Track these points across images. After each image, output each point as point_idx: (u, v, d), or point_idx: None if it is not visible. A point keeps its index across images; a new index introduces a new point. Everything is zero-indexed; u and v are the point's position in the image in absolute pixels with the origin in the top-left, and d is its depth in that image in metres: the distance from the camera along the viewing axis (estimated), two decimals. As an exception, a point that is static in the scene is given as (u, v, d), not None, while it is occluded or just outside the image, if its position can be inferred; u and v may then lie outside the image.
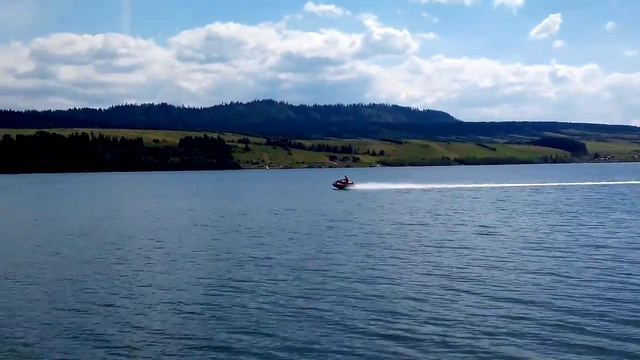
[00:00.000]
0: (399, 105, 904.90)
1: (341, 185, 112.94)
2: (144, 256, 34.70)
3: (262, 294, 24.74)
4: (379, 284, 26.22)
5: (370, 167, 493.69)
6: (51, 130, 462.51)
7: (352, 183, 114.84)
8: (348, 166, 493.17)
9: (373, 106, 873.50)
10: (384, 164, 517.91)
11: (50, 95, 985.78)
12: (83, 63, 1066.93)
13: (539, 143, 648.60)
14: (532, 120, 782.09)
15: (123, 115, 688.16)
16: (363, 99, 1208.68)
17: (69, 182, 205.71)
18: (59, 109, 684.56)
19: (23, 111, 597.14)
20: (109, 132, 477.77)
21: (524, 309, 21.20)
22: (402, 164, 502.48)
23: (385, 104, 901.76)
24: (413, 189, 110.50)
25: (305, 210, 67.84)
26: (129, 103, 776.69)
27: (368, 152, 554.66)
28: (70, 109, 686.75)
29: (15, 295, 24.89)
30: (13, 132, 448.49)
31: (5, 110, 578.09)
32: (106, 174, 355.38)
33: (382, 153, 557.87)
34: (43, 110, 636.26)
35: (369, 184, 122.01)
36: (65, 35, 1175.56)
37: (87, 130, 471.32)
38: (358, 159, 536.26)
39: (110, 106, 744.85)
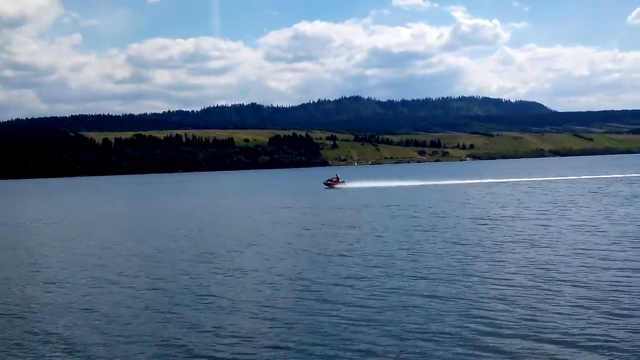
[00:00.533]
0: (489, 97, 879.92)
1: (331, 184, 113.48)
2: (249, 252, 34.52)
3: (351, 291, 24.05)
4: (472, 283, 24.73)
5: (460, 160, 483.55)
6: (147, 133, 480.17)
7: (343, 182, 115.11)
8: (437, 160, 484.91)
9: (462, 99, 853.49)
10: (474, 157, 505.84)
11: (145, 99, 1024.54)
12: (176, 67, 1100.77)
13: (639, 132, 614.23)
14: (631, 109, 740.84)
15: (214, 116, 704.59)
16: (452, 92, 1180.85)
17: (171, 182, 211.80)
18: (154, 112, 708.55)
19: (121, 115, 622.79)
20: (201, 133, 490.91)
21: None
22: (493, 158, 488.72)
23: (475, 96, 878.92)
24: (414, 186, 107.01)
25: (385, 205, 66.73)
26: (220, 104, 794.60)
27: (458, 146, 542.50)
28: (164, 112, 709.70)
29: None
30: (111, 135, 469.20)
31: (104, 115, 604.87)
32: (200, 173, 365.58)
33: (472, 146, 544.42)
34: (139, 113, 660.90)
35: (362, 182, 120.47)
36: (159, 41, 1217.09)
37: (181, 132, 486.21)
38: (447, 152, 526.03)
39: (202, 108, 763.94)
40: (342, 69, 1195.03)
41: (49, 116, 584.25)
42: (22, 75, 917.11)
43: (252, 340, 18.36)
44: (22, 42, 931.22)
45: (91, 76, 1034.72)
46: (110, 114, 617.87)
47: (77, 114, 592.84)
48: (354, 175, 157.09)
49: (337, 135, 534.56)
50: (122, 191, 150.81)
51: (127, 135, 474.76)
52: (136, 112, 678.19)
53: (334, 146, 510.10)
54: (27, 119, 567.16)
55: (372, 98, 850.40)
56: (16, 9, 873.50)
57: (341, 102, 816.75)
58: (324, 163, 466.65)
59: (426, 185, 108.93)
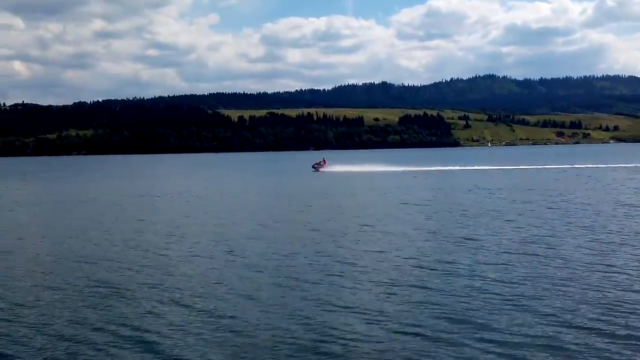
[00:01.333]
0: (637, 76, 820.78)
1: (317, 167, 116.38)
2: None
3: (470, 277, 23.19)
4: (607, 273, 22.37)
5: (603, 143, 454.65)
6: (280, 111, 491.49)
7: (326, 165, 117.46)
8: (577, 142, 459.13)
9: (606, 78, 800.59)
10: (619, 139, 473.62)
11: (278, 78, 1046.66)
12: (308, 46, 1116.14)
13: None
14: None
15: (345, 94, 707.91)
16: (595, 71, 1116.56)
17: (303, 158, 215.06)
18: (287, 90, 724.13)
19: (255, 93, 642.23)
20: (331, 112, 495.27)
21: None
22: (639, 141, 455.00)
23: (620, 75, 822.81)
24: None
25: (512, 188, 63.34)
26: (350, 83, 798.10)
27: (600, 128, 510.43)
28: (297, 90, 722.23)
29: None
30: (246, 114, 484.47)
31: (239, 93, 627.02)
32: (329, 152, 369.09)
33: (616, 128, 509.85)
34: (272, 92, 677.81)
35: (346, 167, 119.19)
36: (292, 20, 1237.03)
37: (312, 110, 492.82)
38: (589, 134, 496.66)
39: (333, 86, 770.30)
40: (476, 46, 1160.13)
41: (188, 94, 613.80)
42: (164, 55, 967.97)
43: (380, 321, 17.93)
44: (164, 22, 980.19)
45: (227, 55, 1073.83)
46: (245, 92, 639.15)
47: (215, 92, 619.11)
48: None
49: (470, 115, 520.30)
50: (259, 167, 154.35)
51: (261, 113, 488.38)
52: (269, 91, 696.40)
53: (466, 126, 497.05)
54: (168, 96, 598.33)
55: (508, 76, 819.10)
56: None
57: (474, 81, 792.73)
58: (455, 143, 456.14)
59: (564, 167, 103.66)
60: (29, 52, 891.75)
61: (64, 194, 75.19)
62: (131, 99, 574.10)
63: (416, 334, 16.97)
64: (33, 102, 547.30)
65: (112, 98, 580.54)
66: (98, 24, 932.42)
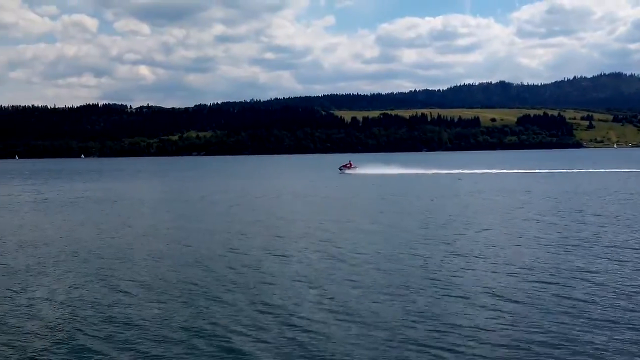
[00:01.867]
0: None
1: (343, 169, 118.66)
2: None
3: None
4: None
5: None
6: (393, 112, 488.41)
7: (355, 167, 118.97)
8: None
9: None
10: None
11: (393, 79, 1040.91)
12: (423, 45, 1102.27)
13: None
14: None
15: (461, 95, 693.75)
16: None
17: (417, 160, 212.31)
18: (401, 91, 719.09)
19: (368, 94, 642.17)
20: (446, 112, 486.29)
21: None
22: None
23: None
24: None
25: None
26: (466, 83, 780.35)
27: None
28: (411, 91, 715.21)
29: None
30: (359, 115, 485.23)
31: (353, 94, 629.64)
32: (443, 153, 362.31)
33: None
34: (386, 92, 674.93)
35: (373, 169, 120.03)
36: (408, 20, 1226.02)
37: (426, 111, 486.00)
38: None
39: (448, 86, 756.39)
40: (601, 43, 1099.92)
41: (303, 96, 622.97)
42: (280, 57, 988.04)
43: (482, 336, 16.24)
44: (281, 25, 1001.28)
45: (342, 57, 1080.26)
46: (358, 93, 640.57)
47: (329, 94, 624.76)
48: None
49: (594, 115, 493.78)
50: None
51: (374, 114, 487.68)
52: (383, 92, 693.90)
53: (590, 127, 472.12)
54: (284, 98, 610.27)
55: (636, 74, 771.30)
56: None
57: (599, 79, 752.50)
58: (577, 145, 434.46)
59: None
60: (154, 57, 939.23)
61: (192, 191, 77.40)
62: (248, 101, 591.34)
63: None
64: (157, 105, 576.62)
65: (231, 100, 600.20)
66: (218, 29, 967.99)
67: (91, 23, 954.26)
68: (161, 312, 19.38)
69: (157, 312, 19.30)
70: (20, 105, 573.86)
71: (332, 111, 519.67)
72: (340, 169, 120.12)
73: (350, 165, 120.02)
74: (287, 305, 19.70)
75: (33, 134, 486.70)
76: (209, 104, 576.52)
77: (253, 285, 22.80)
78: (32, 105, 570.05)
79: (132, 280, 23.90)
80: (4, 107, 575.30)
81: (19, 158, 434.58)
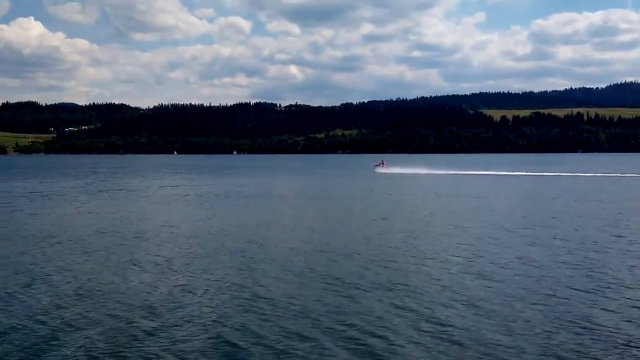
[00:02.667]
0: None
1: (377, 167, 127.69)
2: None
3: None
4: None
5: None
6: (546, 111, 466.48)
7: (385, 166, 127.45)
8: None
9: None
10: None
11: (546, 76, 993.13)
12: (580, 42, 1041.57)
13: None
14: None
15: (621, 93, 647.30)
16: None
17: (571, 162, 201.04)
18: (555, 89, 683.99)
19: (520, 92, 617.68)
20: (605, 112, 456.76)
21: None
22: None
23: None
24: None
25: None
26: (628, 81, 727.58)
27: None
28: (566, 89, 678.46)
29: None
30: (509, 114, 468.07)
31: (503, 92, 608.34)
32: (600, 155, 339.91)
33: None
34: (539, 91, 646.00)
35: (404, 169, 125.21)
36: (565, 15, 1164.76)
37: (583, 110, 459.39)
38: None
39: (608, 84, 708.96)
40: None
41: (450, 94, 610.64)
42: (428, 55, 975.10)
43: None
44: (430, 23, 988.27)
45: (492, 54, 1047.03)
46: (509, 92, 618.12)
47: (477, 92, 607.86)
48: None
49: None
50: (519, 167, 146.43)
51: (525, 113, 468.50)
52: (536, 90, 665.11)
53: None
54: (430, 96, 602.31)
55: None
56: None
57: None
58: None
59: None
60: (304, 56, 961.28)
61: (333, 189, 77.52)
62: (394, 99, 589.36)
63: None
64: (305, 104, 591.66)
65: (377, 99, 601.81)
66: (367, 28, 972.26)
67: (245, 25, 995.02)
68: (297, 307, 18.91)
69: (293, 307, 18.84)
70: (178, 104, 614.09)
71: (480, 110, 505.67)
72: (375, 166, 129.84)
73: (383, 164, 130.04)
74: (440, 312, 17.98)
75: (189, 131, 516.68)
76: (355, 103, 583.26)
77: (390, 284, 21.68)
78: (189, 104, 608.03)
79: (271, 275, 23.37)
80: (164, 105, 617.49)
81: (177, 154, 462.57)
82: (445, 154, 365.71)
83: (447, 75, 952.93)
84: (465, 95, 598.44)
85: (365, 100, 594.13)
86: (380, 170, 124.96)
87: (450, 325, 17.06)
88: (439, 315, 18.05)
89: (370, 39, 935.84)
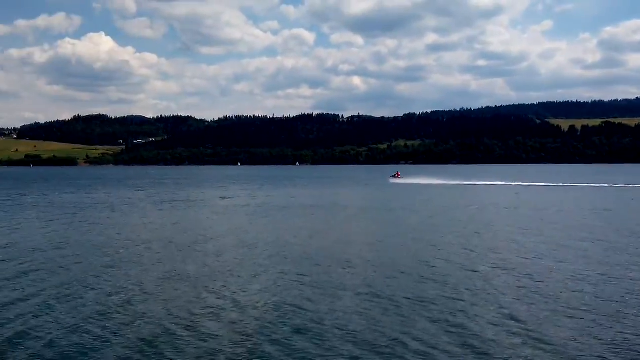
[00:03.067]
0: None
1: (392, 178, 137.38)
2: None
3: None
4: None
5: None
6: (617, 120, 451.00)
7: (399, 177, 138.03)
8: None
9: None
10: None
11: (617, 84, 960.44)
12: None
13: None
14: None
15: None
16: None
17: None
18: (627, 97, 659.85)
19: (589, 101, 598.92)
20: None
21: None
22: None
23: None
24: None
25: None
26: None
27: None
28: (637, 98, 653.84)
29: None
30: (578, 123, 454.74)
31: (571, 102, 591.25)
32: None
33: None
34: (609, 99, 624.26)
35: (417, 179, 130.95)
36: (636, 22, 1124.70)
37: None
38: None
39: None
40: None
41: (516, 103, 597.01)
42: (493, 64, 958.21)
43: None
44: (495, 32, 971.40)
45: (561, 62, 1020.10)
46: (578, 101, 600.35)
47: (545, 101, 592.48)
48: None
49: None
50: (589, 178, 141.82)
51: (595, 122, 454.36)
52: (606, 99, 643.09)
53: None
54: (495, 106, 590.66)
55: None
56: (492, 0, 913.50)
57: None
58: None
59: None
60: (367, 67, 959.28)
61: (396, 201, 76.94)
62: (458, 109, 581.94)
63: None
64: (367, 115, 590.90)
65: (440, 109, 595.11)
66: (431, 38, 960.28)
67: (309, 37, 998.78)
68: (358, 317, 18.82)
69: (355, 318, 18.71)
70: (242, 115, 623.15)
71: (547, 119, 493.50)
72: (391, 177, 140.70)
73: (398, 175, 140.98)
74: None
75: (253, 142, 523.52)
76: (418, 113, 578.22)
77: (445, 299, 21.11)
78: (253, 115, 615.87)
79: (333, 286, 23.25)
80: (229, 117, 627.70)
81: (240, 165, 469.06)
82: (509, 165, 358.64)
83: (514, 85, 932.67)
84: (532, 105, 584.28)
85: (429, 111, 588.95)
86: (395, 180, 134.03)
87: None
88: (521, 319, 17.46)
89: (434, 48, 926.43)
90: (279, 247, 34.06)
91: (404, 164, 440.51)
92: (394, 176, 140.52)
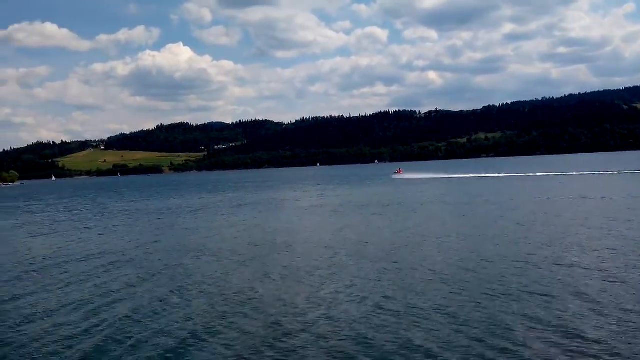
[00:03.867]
0: None
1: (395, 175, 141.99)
2: None
3: None
4: None
5: None
6: None
7: (400, 173, 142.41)
8: None
9: None
10: None
11: None
12: None
13: None
14: None
15: None
16: None
17: None
18: None
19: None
20: None
21: None
22: None
23: None
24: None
25: None
26: None
27: None
28: None
29: None
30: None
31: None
32: None
33: None
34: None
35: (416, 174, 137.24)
36: None
37: None
38: None
39: None
40: None
41: (601, 90, 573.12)
42: (575, 51, 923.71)
43: None
44: (575, 17, 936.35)
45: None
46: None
47: (631, 86, 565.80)
48: None
49: None
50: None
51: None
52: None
53: None
54: (579, 93, 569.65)
55: None
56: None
57: None
58: None
59: None
60: (442, 61, 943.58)
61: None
62: (540, 99, 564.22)
63: None
64: (445, 109, 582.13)
65: (521, 100, 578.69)
66: (508, 27, 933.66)
67: (382, 34, 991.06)
68: (440, 313, 18.12)
69: (441, 315, 17.94)
70: (319, 117, 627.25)
71: (635, 104, 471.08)
72: (394, 173, 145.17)
73: (400, 171, 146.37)
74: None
75: (331, 142, 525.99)
76: (497, 105, 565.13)
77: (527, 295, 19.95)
78: (330, 116, 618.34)
79: (422, 282, 22.59)
80: (306, 118, 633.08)
81: (320, 165, 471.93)
82: (597, 153, 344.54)
83: (597, 71, 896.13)
84: (618, 90, 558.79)
85: (509, 102, 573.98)
86: (397, 177, 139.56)
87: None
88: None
89: (511, 38, 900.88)
90: (367, 243, 33.91)
91: (485, 157, 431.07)
92: (396, 173, 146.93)
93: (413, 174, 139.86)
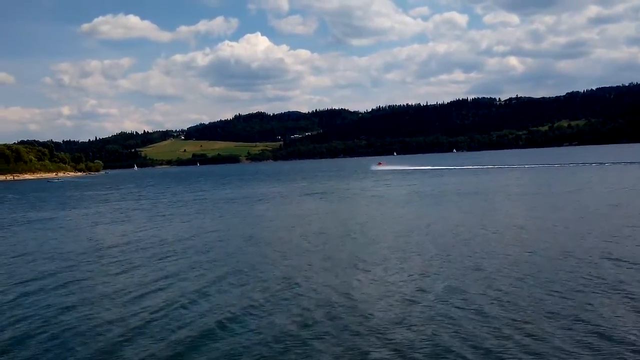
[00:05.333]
0: None
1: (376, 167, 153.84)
2: None
3: None
4: None
5: None
6: None
7: (382, 165, 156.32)
8: None
9: None
10: None
11: None
12: None
13: None
14: None
15: None
16: None
17: None
18: None
19: None
20: None
21: None
22: None
23: None
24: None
25: None
26: None
27: None
28: None
29: None
30: None
31: None
32: None
33: None
34: None
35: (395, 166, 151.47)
36: None
37: None
38: None
39: None
40: None
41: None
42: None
43: None
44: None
45: None
46: None
47: None
48: None
49: None
50: None
51: None
52: None
53: None
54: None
55: None
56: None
57: None
58: None
59: None
60: (523, 46, 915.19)
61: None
62: (626, 84, 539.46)
63: None
64: (526, 96, 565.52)
65: (606, 85, 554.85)
66: (593, 10, 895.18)
67: (461, 19, 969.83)
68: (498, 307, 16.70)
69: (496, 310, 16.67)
70: (395, 105, 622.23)
71: None
72: (376, 165, 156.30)
73: (380, 164, 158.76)
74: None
75: (407, 131, 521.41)
76: (581, 91, 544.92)
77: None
78: (406, 104, 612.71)
79: (491, 275, 21.47)
80: (381, 107, 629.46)
81: (396, 154, 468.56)
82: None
83: None
84: None
85: (594, 88, 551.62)
86: (377, 168, 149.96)
87: None
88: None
89: (596, 21, 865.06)
90: (441, 234, 32.95)
91: (567, 145, 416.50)
92: (377, 165, 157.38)
93: (392, 166, 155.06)
